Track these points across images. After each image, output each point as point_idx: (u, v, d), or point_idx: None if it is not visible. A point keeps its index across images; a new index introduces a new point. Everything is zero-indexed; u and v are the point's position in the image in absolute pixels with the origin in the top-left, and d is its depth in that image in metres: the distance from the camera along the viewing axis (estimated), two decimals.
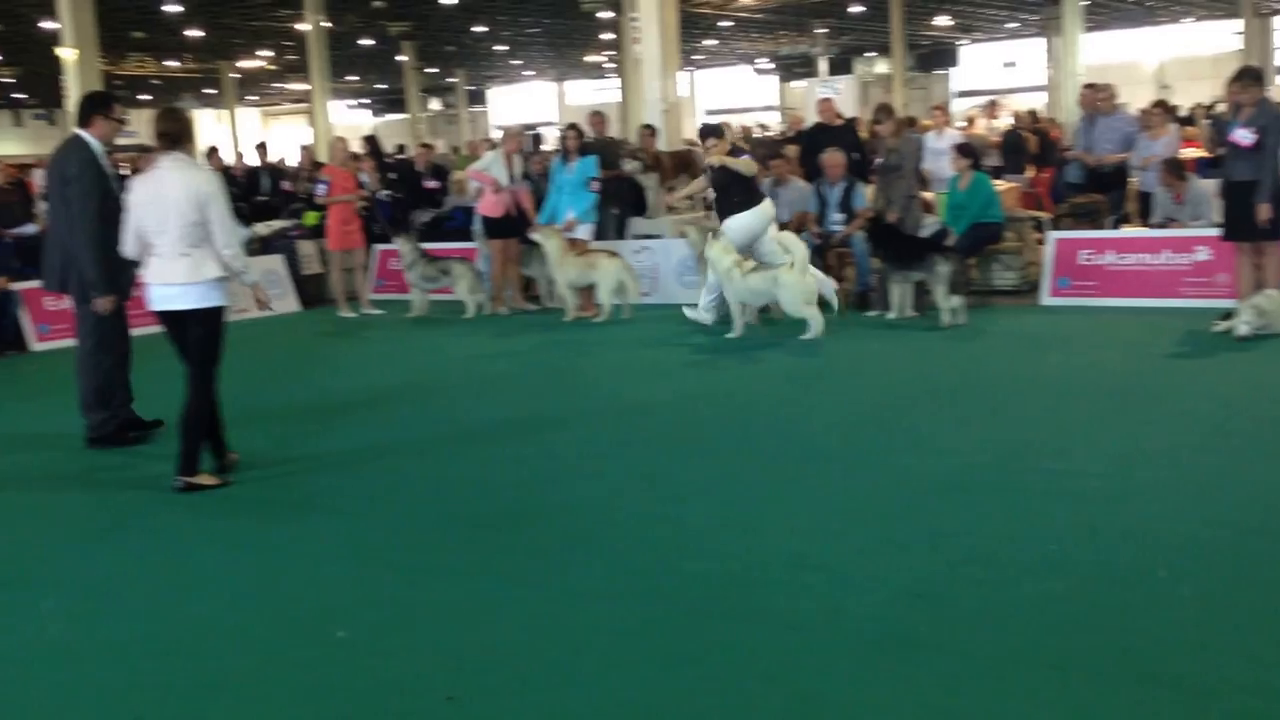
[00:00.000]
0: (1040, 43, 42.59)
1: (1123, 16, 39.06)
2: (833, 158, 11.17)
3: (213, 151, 17.05)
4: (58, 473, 6.61)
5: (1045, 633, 3.83)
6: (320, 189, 12.48)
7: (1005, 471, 5.69)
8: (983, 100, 26.89)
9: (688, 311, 10.26)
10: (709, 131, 10.73)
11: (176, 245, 5.82)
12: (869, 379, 8.10)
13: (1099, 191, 11.72)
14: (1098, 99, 12.01)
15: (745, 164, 10.09)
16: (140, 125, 54.46)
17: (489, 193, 11.74)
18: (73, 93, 19.24)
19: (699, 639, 3.92)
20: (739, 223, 9.84)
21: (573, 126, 12.11)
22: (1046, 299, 10.76)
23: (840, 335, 9.71)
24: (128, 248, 6.03)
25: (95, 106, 6.88)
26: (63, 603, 4.57)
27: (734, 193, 9.95)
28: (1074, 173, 12.27)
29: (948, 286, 9.57)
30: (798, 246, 9.46)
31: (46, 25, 24.80)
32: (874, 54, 45.84)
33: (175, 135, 5.97)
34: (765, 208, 10.01)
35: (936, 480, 5.56)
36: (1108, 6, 36.73)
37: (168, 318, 5.99)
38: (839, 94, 19.73)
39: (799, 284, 9.33)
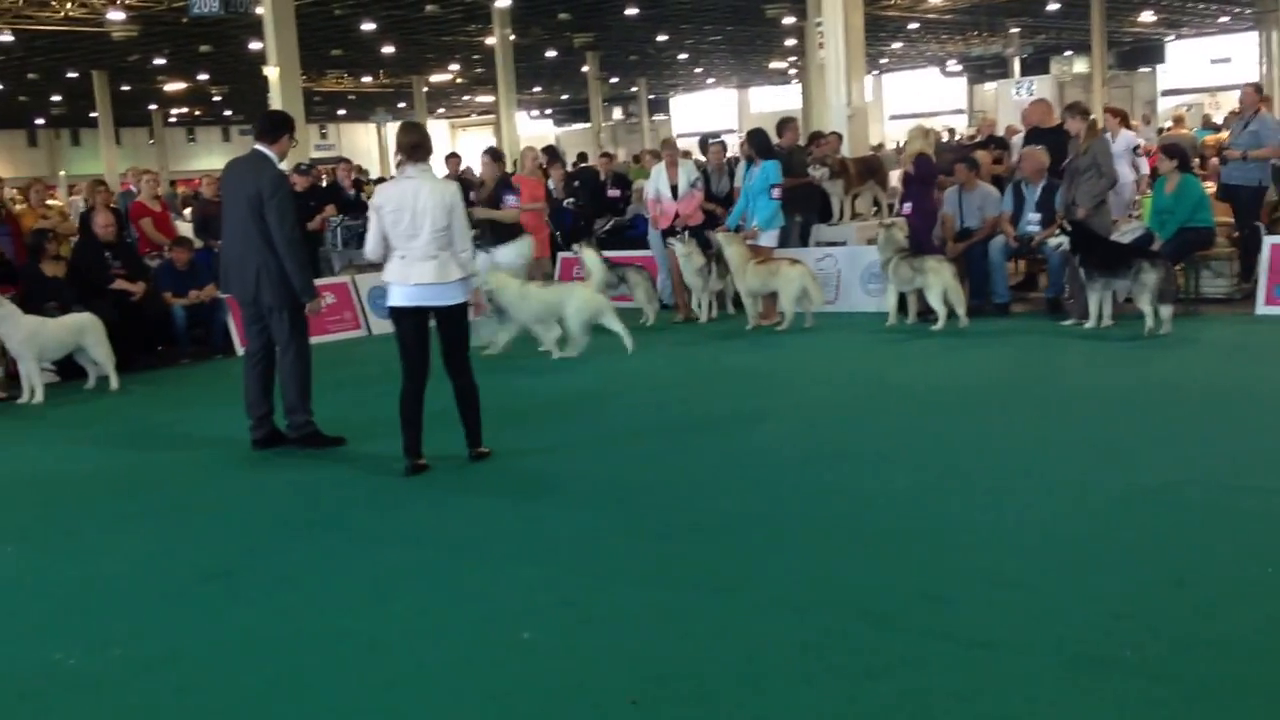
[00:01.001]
0: (1253, 37, 40.21)
1: None
2: (1031, 154, 10.74)
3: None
4: (259, 470, 6.92)
5: (1264, 660, 3.58)
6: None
7: (1213, 490, 5.37)
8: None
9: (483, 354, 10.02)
10: (489, 151, 12.07)
11: (426, 249, 6.23)
12: (1063, 389, 7.78)
13: None
14: None
15: (504, 214, 11.00)
16: (337, 139, 56.92)
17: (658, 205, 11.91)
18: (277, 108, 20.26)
19: (886, 653, 3.82)
20: (505, 254, 10.43)
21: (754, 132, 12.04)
22: (1262, 308, 10.11)
23: (1033, 345, 9.37)
24: (371, 251, 6.49)
25: (284, 126, 7.23)
26: (262, 594, 4.78)
27: (497, 229, 10.85)
28: (1232, 174, 11.33)
29: (1154, 294, 9.08)
30: (597, 268, 10.76)
31: (253, 46, 26.19)
32: (1071, 52, 44.19)
33: (424, 147, 6.46)
34: (527, 240, 10.80)
35: (1138, 497, 5.29)
36: None
37: (407, 313, 6.37)
38: (1033, 95, 19.06)
39: (586, 300, 9.96)
